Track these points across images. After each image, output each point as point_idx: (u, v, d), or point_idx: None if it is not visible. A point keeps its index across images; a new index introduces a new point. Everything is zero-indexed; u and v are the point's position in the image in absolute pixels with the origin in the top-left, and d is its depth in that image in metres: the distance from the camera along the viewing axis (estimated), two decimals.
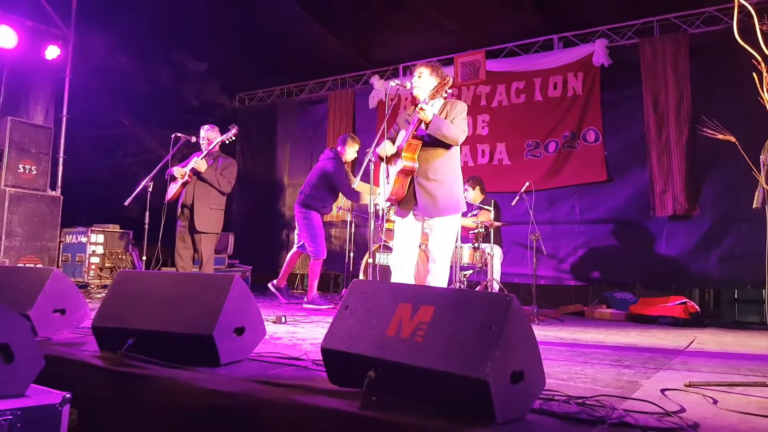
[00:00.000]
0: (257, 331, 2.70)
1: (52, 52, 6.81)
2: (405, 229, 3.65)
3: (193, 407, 2.18)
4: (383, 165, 3.68)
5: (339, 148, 5.57)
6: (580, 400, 1.93)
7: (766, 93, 1.82)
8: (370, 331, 1.96)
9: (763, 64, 1.87)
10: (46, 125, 6.74)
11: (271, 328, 3.79)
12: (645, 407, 1.87)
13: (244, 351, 2.62)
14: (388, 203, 3.74)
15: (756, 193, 2.03)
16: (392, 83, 3.60)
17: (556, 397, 1.98)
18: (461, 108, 3.62)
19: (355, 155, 5.48)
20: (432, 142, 3.51)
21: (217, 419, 2.10)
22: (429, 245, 3.64)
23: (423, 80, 3.67)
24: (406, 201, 3.58)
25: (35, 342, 2.03)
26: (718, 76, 5.32)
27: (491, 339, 1.69)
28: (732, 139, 2.05)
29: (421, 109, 3.43)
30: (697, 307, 4.81)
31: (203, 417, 2.13)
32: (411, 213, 3.61)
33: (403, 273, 3.62)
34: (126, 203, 4.85)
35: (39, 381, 2.02)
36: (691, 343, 3.64)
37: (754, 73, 1.92)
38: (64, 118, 7.03)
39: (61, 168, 6.91)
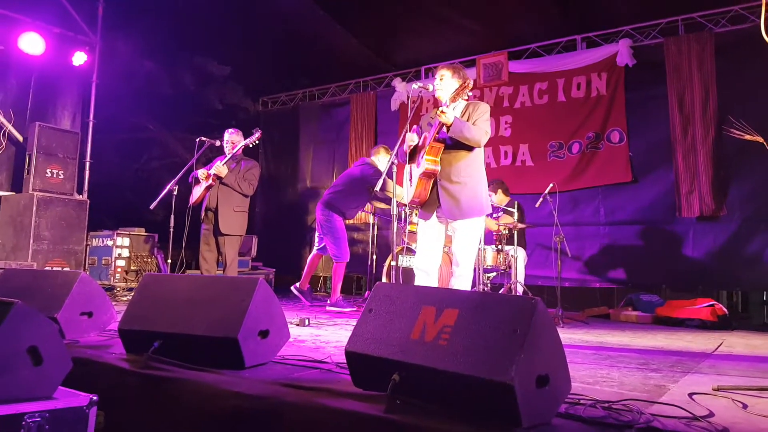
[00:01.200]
0: (281, 334, 2.73)
1: (80, 58, 6.96)
2: (428, 232, 3.66)
3: (218, 410, 2.21)
4: (407, 167, 3.67)
5: (373, 158, 5.62)
6: (606, 404, 1.91)
7: None
8: (394, 335, 1.96)
9: None
10: (73, 130, 6.88)
11: (294, 331, 3.81)
12: (673, 411, 1.84)
13: (269, 354, 2.64)
14: (412, 205, 3.76)
15: None
16: (414, 85, 3.59)
17: (582, 401, 1.96)
18: (484, 109, 3.61)
19: (387, 165, 5.49)
20: (454, 144, 3.51)
21: (242, 421, 2.12)
22: (452, 248, 3.63)
23: (445, 82, 3.68)
24: (429, 203, 3.59)
25: (63, 345, 2.08)
26: (745, 76, 5.21)
27: (516, 343, 1.69)
28: (760, 139, 2.02)
29: (442, 112, 3.43)
30: (725, 310, 4.71)
31: (228, 419, 2.16)
32: (434, 215, 3.62)
33: (426, 276, 3.63)
34: (151, 207, 4.94)
35: (67, 383, 2.06)
36: (719, 346, 3.57)
37: None
38: (91, 123, 7.17)
39: (87, 172, 7.04)
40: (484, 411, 1.73)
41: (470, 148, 3.55)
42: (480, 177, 3.63)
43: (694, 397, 2.07)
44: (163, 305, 2.69)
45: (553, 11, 6.07)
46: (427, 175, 3.54)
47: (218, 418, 2.19)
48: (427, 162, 3.52)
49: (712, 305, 4.64)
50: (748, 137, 2.07)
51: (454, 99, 3.52)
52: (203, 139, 5.27)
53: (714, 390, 2.17)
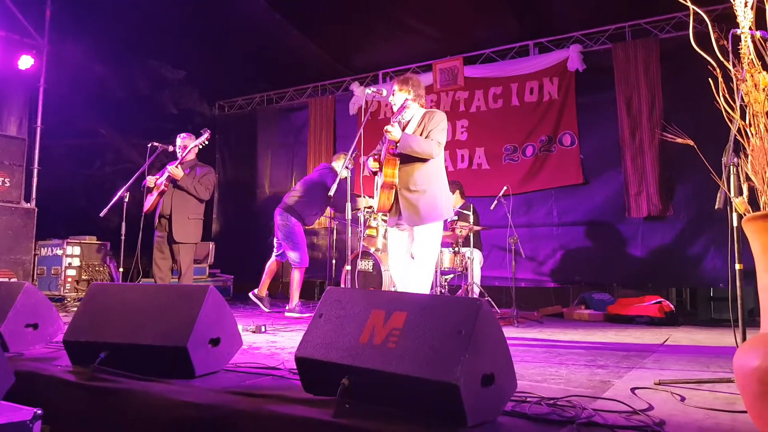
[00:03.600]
0: (233, 342, 2.70)
1: (26, 62, 6.72)
2: (395, 240, 3.79)
3: (167, 420, 2.16)
4: (376, 177, 3.82)
5: (334, 164, 5.61)
6: (551, 401, 1.96)
7: (721, 98, 1.87)
8: (344, 339, 1.97)
9: (718, 70, 1.92)
10: (19, 136, 6.64)
11: (250, 338, 3.78)
12: (614, 406, 1.90)
13: (220, 362, 2.61)
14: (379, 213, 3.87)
15: (718, 195, 2.08)
16: (368, 90, 3.63)
17: (528, 399, 2.01)
18: (438, 119, 3.69)
19: (349, 173, 5.45)
20: (408, 156, 3.62)
21: (198, 429, 2.09)
22: (412, 250, 3.70)
23: (396, 97, 3.80)
24: (393, 212, 3.71)
25: (5, 358, 2.01)
26: (687, 80, 5.42)
27: (461, 343, 1.71)
28: (690, 142, 2.11)
29: (387, 131, 3.56)
30: (672, 306, 4.88)
31: (178, 429, 2.12)
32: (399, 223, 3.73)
33: (402, 283, 3.73)
34: (102, 214, 4.80)
35: (9, 397, 1.99)
36: (665, 341, 3.70)
37: (710, 79, 1.97)
38: (38, 129, 6.92)
39: (35, 179, 6.80)
40: (432, 411, 1.75)
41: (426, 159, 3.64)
42: (439, 183, 3.72)
43: (636, 391, 2.15)
44: (110, 315, 2.62)
45: (507, 17, 6.19)
46: (387, 186, 3.69)
47: (167, 428, 2.15)
48: (385, 176, 3.67)
49: (660, 302, 4.80)
50: (680, 141, 2.16)
51: (400, 111, 3.63)
52: (155, 144, 5.15)
53: (655, 384, 2.25)
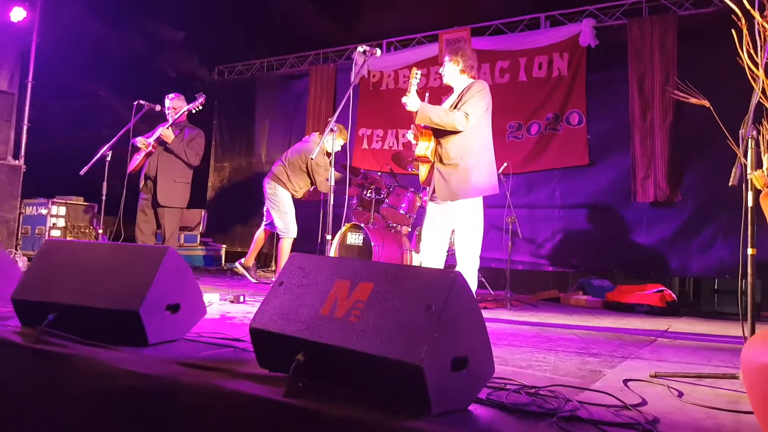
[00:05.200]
0: (195, 310, 2.50)
1: (18, 14, 6.46)
2: (430, 213, 3.71)
3: (111, 389, 1.98)
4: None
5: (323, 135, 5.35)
6: (533, 390, 1.76)
7: (745, 53, 1.62)
8: (303, 310, 1.76)
9: (743, 20, 1.66)
10: (8, 90, 6.41)
11: (227, 308, 3.61)
12: (603, 399, 1.69)
13: (180, 330, 2.41)
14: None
15: (733, 170, 1.84)
16: (360, 48, 3.37)
17: (507, 386, 1.81)
18: (474, 90, 3.56)
19: (339, 148, 5.19)
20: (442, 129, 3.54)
21: (135, 402, 1.91)
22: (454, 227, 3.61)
23: (445, 68, 3.72)
24: (432, 186, 3.64)
25: None
26: (705, 60, 5.11)
27: (430, 320, 1.50)
28: (706, 103, 1.86)
29: (403, 102, 3.48)
30: (674, 296, 4.66)
31: (120, 399, 1.94)
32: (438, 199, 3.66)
33: (429, 258, 3.65)
34: (81, 172, 4.61)
35: None
36: (664, 332, 3.48)
37: (733, 30, 1.71)
38: (30, 84, 6.69)
39: (24, 136, 6.58)
40: (394, 395, 1.54)
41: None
42: (476, 157, 3.57)
43: (629, 383, 1.93)
44: (62, 274, 2.42)
45: None
46: (421, 160, 3.65)
47: (110, 398, 1.98)
48: (418, 148, 3.62)
49: (661, 291, 4.58)
50: (693, 100, 1.91)
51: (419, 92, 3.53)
52: (142, 102, 4.94)
53: (651, 377, 2.04)
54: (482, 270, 5.14)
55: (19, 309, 2.44)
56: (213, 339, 2.43)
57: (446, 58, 3.70)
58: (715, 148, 4.98)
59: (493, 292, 5.12)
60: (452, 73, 3.66)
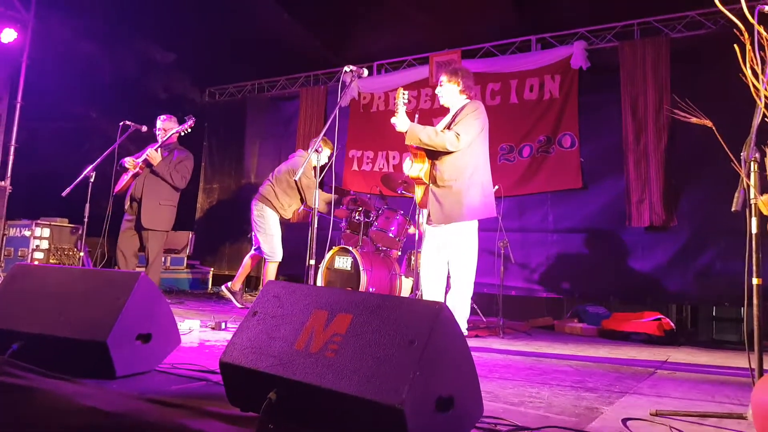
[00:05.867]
0: (168, 339, 2.36)
1: (9, 35, 6.39)
2: (427, 237, 3.63)
3: (72, 426, 1.84)
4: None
5: (309, 150, 5.26)
6: None
7: (748, 68, 1.53)
8: (276, 344, 1.63)
9: (746, 35, 1.58)
10: None
11: (207, 335, 3.45)
12: None
13: (151, 361, 2.27)
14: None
15: (736, 194, 1.74)
16: (346, 68, 3.29)
17: (498, 427, 1.67)
18: (467, 110, 3.52)
19: (327, 160, 5.10)
20: (435, 150, 3.49)
21: None
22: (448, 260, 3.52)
23: (444, 89, 3.65)
24: (428, 208, 3.58)
25: None
26: (699, 83, 5.08)
27: (412, 357, 1.37)
28: (708, 123, 1.77)
29: (393, 123, 3.43)
30: (672, 324, 4.53)
31: None
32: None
33: (429, 284, 3.56)
34: (64, 194, 4.48)
35: None
36: (663, 363, 3.35)
37: (735, 45, 1.63)
38: (18, 105, 6.59)
39: (12, 157, 6.46)
40: None
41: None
42: (470, 178, 3.49)
43: (628, 423, 1.80)
44: (30, 301, 2.29)
45: (509, 10, 5.86)
46: (416, 182, 3.59)
47: None
48: (412, 169, 3.55)
49: (659, 319, 4.45)
50: (695, 120, 1.82)
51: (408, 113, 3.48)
52: (128, 123, 4.84)
53: (651, 415, 1.90)
54: (474, 296, 4.99)
55: None
56: (186, 371, 2.29)
57: (444, 78, 3.62)
58: (711, 171, 4.95)
59: (485, 319, 4.98)
60: (451, 93, 3.60)
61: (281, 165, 5.32)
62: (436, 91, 3.70)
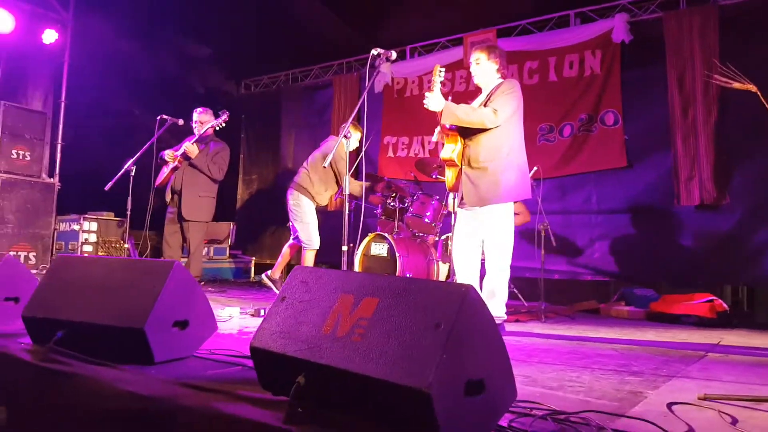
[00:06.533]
0: (205, 326, 2.39)
1: (50, 36, 6.62)
2: (459, 220, 3.54)
3: (112, 410, 1.90)
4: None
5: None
6: (562, 417, 1.56)
7: None
8: (304, 328, 1.62)
9: None
10: (41, 110, 6.56)
11: (246, 321, 3.51)
12: (643, 428, 1.49)
13: (189, 347, 2.31)
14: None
15: None
16: (374, 51, 3.23)
17: (533, 411, 1.62)
18: (504, 87, 3.39)
19: (357, 144, 5.07)
20: (470, 129, 3.36)
21: (134, 425, 1.81)
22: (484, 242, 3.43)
23: (481, 67, 3.50)
24: (460, 191, 3.47)
25: None
26: (751, 51, 4.78)
27: (438, 340, 1.34)
28: (753, 88, 1.65)
29: (425, 104, 3.32)
30: (726, 306, 4.31)
31: (120, 422, 1.85)
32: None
33: (462, 269, 3.48)
34: (106, 188, 4.63)
35: None
36: (715, 346, 3.19)
37: None
38: (63, 104, 6.84)
39: (59, 155, 6.72)
40: (401, 423, 1.38)
41: (489, 129, 3.34)
42: (506, 159, 3.38)
43: (673, 408, 1.72)
44: (72, 291, 2.37)
45: None
46: (447, 164, 3.48)
47: (110, 419, 1.89)
48: (444, 151, 3.45)
49: (711, 301, 4.25)
50: (737, 85, 1.70)
51: (443, 91, 3.36)
52: (165, 117, 4.95)
53: (699, 399, 1.81)
54: (515, 280, 4.93)
55: (30, 326, 2.40)
56: (223, 356, 2.32)
57: (482, 56, 3.46)
58: (766, 145, 4.68)
59: (526, 304, 4.87)
60: (489, 71, 3.46)
61: (315, 151, 5.33)
62: (471, 70, 3.53)
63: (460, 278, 3.48)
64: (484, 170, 3.32)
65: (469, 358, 1.38)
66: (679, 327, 4.07)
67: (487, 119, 3.24)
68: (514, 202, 3.60)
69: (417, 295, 1.46)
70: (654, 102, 5.33)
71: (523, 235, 5.68)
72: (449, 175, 3.51)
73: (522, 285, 5.08)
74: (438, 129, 3.52)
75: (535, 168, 4.57)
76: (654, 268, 5.32)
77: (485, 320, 1.45)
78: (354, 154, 5.40)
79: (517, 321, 4.01)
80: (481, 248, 3.54)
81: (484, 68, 3.47)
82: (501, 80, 3.48)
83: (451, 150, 3.41)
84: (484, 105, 3.37)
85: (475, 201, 3.34)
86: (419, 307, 1.43)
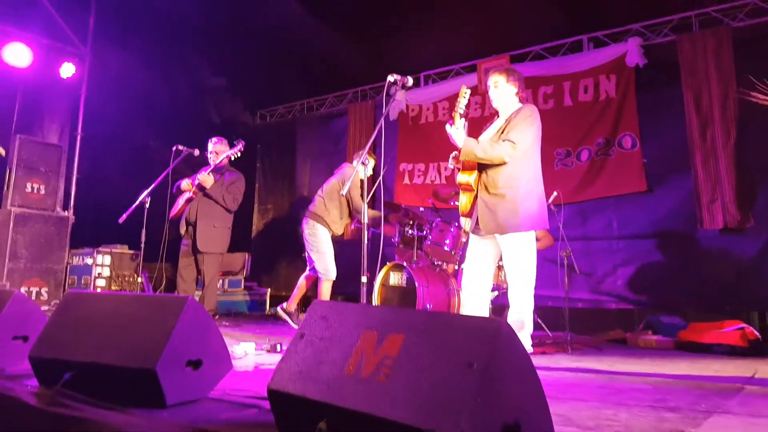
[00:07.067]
0: (220, 364, 2.29)
1: (68, 69, 6.71)
2: (472, 247, 3.45)
3: None
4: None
5: (355, 162, 5.23)
6: None
7: None
8: (325, 368, 1.52)
9: None
10: (56, 143, 6.60)
11: (262, 358, 3.40)
12: None
13: (203, 388, 2.21)
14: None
15: None
16: (390, 78, 3.20)
17: None
18: (522, 116, 3.31)
19: (371, 172, 5.03)
20: None
21: None
22: (504, 264, 3.36)
23: (500, 90, 3.43)
24: (473, 217, 3.40)
25: None
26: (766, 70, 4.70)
27: (472, 381, 1.23)
28: None
29: (450, 133, 3.29)
30: (757, 333, 4.14)
31: None
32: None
33: (471, 297, 3.39)
34: (120, 220, 4.60)
35: None
36: (751, 378, 3.03)
37: None
38: (79, 137, 6.89)
39: (74, 188, 6.74)
40: None
41: None
42: (525, 187, 3.30)
43: None
44: (81, 329, 2.29)
45: (557, 11, 5.65)
46: (463, 188, 3.40)
47: None
48: (461, 175, 3.38)
49: (742, 328, 4.08)
50: (761, 97, 1.60)
51: (462, 115, 3.34)
52: (180, 147, 4.95)
53: None
54: (537, 309, 4.77)
55: (37, 367, 2.31)
56: (238, 397, 2.21)
57: (501, 79, 3.39)
58: None
59: (551, 334, 4.72)
60: (508, 95, 3.40)
61: (330, 179, 5.29)
62: (490, 93, 3.46)
63: (467, 303, 3.37)
64: (502, 197, 3.24)
65: (505, 399, 1.28)
66: (711, 357, 3.90)
67: (506, 154, 3.18)
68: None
69: (445, 332, 1.37)
70: (671, 125, 5.26)
71: (545, 262, 5.54)
72: (464, 200, 3.43)
73: (545, 314, 4.93)
74: (453, 155, 3.46)
75: (555, 193, 4.48)
76: (679, 295, 5.15)
77: (520, 357, 1.35)
78: (370, 181, 5.36)
79: (543, 353, 3.87)
80: (492, 275, 3.48)
81: (502, 91, 3.40)
82: (520, 104, 3.41)
83: (468, 175, 3.35)
84: (503, 131, 3.30)
85: (493, 228, 3.26)
86: (449, 345, 1.34)
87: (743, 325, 4.14)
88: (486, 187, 3.29)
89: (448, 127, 3.28)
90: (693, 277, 5.07)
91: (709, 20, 5.25)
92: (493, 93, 3.43)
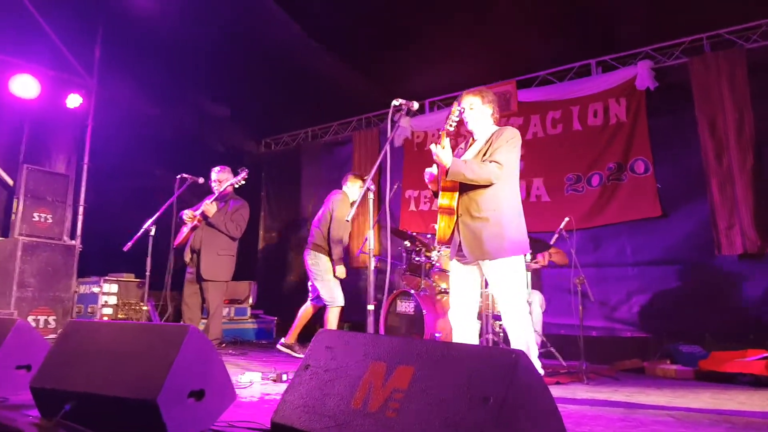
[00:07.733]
0: (223, 395, 2.20)
1: (74, 100, 6.75)
2: (456, 275, 3.28)
3: None
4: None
5: (345, 187, 5.20)
6: None
7: None
8: (331, 402, 1.43)
9: None
10: (63, 173, 6.62)
11: (268, 388, 3.31)
12: None
13: (205, 420, 2.11)
14: (440, 245, 3.43)
15: None
16: (395, 102, 3.14)
17: None
18: (506, 136, 3.18)
19: (359, 196, 4.93)
20: None
21: None
22: (491, 291, 3.20)
23: (475, 112, 3.32)
24: (454, 243, 3.23)
25: None
26: None
27: (488, 417, 1.14)
28: None
29: (436, 154, 3.12)
30: None
31: None
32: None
33: (459, 326, 3.23)
34: (125, 248, 4.54)
35: None
36: None
37: None
38: (85, 166, 6.92)
39: (81, 217, 6.74)
40: None
41: None
42: (508, 211, 3.16)
43: None
44: (82, 359, 2.22)
45: (564, 35, 5.64)
46: (444, 211, 3.22)
47: None
48: (442, 197, 3.21)
49: (766, 357, 3.92)
50: None
51: (451, 134, 3.19)
52: (185, 176, 4.92)
53: None
54: (551, 338, 4.65)
55: (38, 397, 2.24)
56: (243, 430, 2.12)
57: (476, 100, 3.28)
58: None
59: (565, 363, 4.56)
60: (483, 117, 3.29)
61: (323, 209, 5.22)
62: (464, 116, 3.31)
63: (458, 335, 3.22)
64: (486, 221, 3.10)
65: None
66: (734, 387, 3.74)
67: (493, 176, 3.06)
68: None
69: (458, 363, 1.28)
70: (685, 148, 5.18)
71: (557, 289, 5.42)
72: (442, 225, 3.22)
73: (558, 343, 4.78)
74: (427, 175, 3.34)
75: (567, 219, 4.39)
76: (698, 323, 4.98)
77: (539, 389, 1.26)
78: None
79: (557, 383, 3.73)
80: (480, 302, 3.37)
81: (477, 114, 3.29)
82: (495, 126, 3.32)
83: (448, 198, 3.18)
84: (485, 153, 3.21)
85: (479, 254, 3.11)
86: (462, 377, 1.25)
87: (767, 354, 3.98)
88: (468, 211, 3.15)
89: (433, 147, 3.14)
90: (711, 304, 4.92)
91: (721, 42, 5.20)
92: (468, 115, 3.31)
